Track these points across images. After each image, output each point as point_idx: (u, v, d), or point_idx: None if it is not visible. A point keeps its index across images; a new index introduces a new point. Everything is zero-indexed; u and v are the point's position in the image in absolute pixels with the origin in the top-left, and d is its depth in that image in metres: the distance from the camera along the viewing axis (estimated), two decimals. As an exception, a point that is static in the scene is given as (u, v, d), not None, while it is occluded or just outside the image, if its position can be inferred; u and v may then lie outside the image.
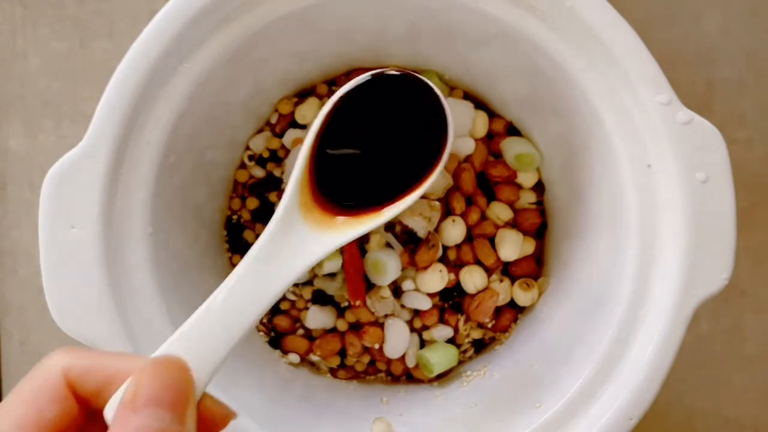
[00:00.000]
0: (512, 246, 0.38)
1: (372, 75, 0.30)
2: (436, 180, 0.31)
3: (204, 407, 0.25)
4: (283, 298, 0.39)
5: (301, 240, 0.28)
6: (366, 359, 0.39)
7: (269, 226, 0.28)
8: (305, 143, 0.29)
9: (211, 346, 0.25)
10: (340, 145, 0.30)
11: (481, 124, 0.39)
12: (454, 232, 0.38)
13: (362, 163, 0.30)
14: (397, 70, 0.30)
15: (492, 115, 0.40)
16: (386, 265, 0.37)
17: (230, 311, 0.26)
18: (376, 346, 0.38)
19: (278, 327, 0.39)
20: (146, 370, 0.23)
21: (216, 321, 0.26)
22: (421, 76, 0.30)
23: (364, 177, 0.30)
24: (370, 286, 0.38)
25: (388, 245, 0.38)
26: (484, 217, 0.39)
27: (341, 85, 0.39)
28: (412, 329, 0.39)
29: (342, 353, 0.39)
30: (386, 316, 0.38)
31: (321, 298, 0.39)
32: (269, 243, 0.27)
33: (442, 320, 0.39)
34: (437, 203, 0.37)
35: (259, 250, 0.27)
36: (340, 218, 0.29)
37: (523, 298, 0.38)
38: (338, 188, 0.30)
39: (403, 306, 0.39)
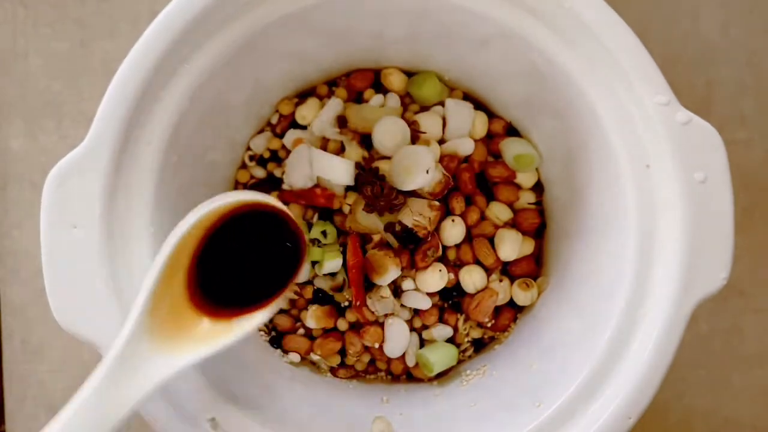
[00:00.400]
0: (511, 246, 0.38)
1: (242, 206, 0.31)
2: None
3: None
4: (284, 298, 0.39)
5: (146, 360, 0.28)
6: (366, 358, 0.39)
7: (112, 350, 0.27)
8: (157, 259, 0.29)
9: None
10: (219, 251, 0.30)
11: (480, 124, 0.39)
12: (454, 232, 0.38)
13: (236, 268, 0.31)
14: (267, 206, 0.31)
15: (491, 115, 0.40)
16: (387, 266, 0.37)
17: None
18: (376, 346, 0.38)
19: (279, 326, 0.39)
20: None
21: None
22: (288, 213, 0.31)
23: (238, 280, 0.31)
24: (370, 286, 0.38)
25: (389, 245, 0.38)
26: (483, 217, 0.39)
27: (341, 86, 0.40)
28: (412, 329, 0.39)
29: (342, 352, 0.39)
30: (386, 315, 0.38)
31: (321, 298, 0.39)
32: (113, 368, 0.27)
33: (441, 320, 0.39)
34: (437, 203, 0.38)
35: (103, 376, 0.27)
36: (205, 321, 0.29)
37: (522, 297, 0.39)
38: (216, 287, 0.30)
39: (403, 305, 0.39)
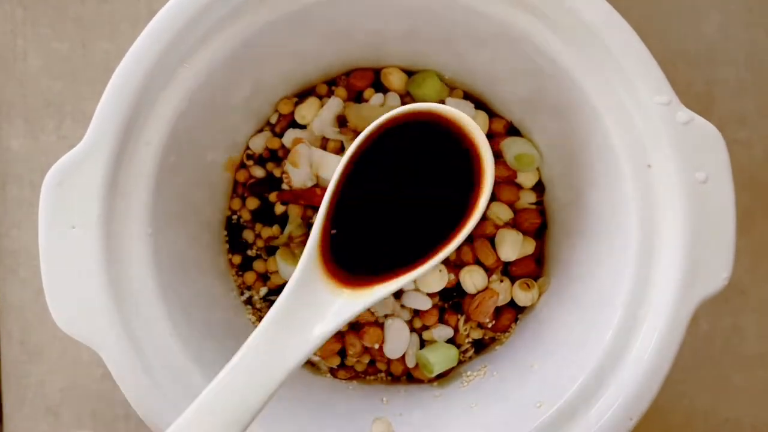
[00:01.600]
0: (512, 246, 0.38)
1: (403, 117, 0.27)
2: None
3: None
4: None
5: (323, 301, 0.26)
6: (366, 359, 0.39)
7: (286, 288, 0.26)
8: (325, 198, 0.26)
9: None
10: (356, 205, 0.27)
11: (481, 124, 0.39)
12: (454, 232, 0.38)
13: (379, 227, 0.28)
14: (428, 113, 0.27)
15: (492, 115, 0.40)
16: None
17: (239, 389, 0.25)
18: (376, 346, 0.38)
19: (278, 327, 0.39)
20: None
21: (227, 398, 0.25)
22: (459, 117, 0.27)
23: (381, 244, 0.28)
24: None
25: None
26: (484, 217, 0.39)
27: (341, 85, 0.39)
28: (412, 329, 0.39)
29: (342, 353, 0.39)
30: (386, 316, 0.38)
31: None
32: (286, 307, 0.26)
33: (442, 320, 0.39)
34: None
35: (276, 313, 0.25)
36: (346, 292, 0.27)
37: (523, 298, 0.38)
38: (353, 256, 0.28)
39: (403, 306, 0.39)
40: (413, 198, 0.28)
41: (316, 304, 0.27)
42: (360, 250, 0.28)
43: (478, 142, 0.26)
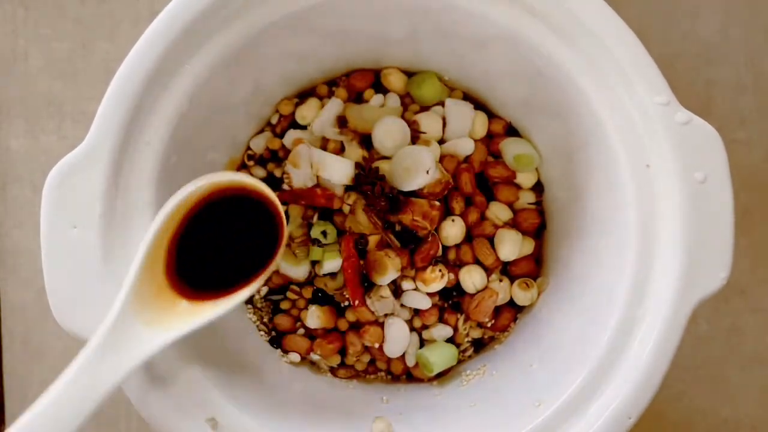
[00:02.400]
0: (511, 246, 0.38)
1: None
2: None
3: None
4: (284, 298, 0.39)
5: (133, 337, 0.29)
6: (366, 358, 0.39)
7: (103, 324, 0.28)
8: (146, 236, 0.30)
9: None
10: (198, 236, 0.31)
11: (480, 124, 0.39)
12: (454, 231, 0.38)
13: (215, 251, 0.32)
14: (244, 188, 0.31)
15: (491, 115, 0.40)
16: (387, 266, 0.37)
17: (61, 410, 0.27)
18: (376, 346, 0.38)
19: (279, 326, 0.39)
20: None
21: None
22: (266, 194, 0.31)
23: (217, 263, 0.32)
24: (370, 286, 0.38)
25: (389, 245, 0.38)
26: (483, 217, 0.39)
27: (341, 86, 0.40)
28: (412, 328, 0.39)
29: (342, 352, 0.39)
30: (386, 315, 0.38)
31: (321, 298, 0.39)
32: (102, 342, 0.28)
33: (441, 320, 0.39)
34: (437, 203, 0.38)
35: (93, 350, 0.28)
36: (184, 303, 0.30)
37: (522, 297, 0.39)
38: (194, 272, 0.31)
39: (402, 305, 0.39)
40: (237, 241, 0.32)
41: (131, 334, 0.29)
42: (199, 272, 0.32)
43: (276, 205, 0.31)
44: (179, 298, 0.30)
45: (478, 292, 0.38)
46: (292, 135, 0.39)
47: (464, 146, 0.39)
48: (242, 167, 0.40)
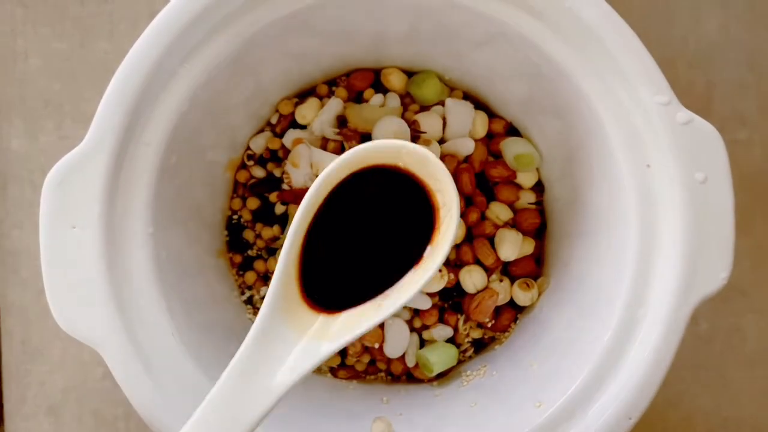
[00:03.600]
0: (512, 246, 0.38)
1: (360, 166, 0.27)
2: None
3: None
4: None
5: (285, 351, 0.26)
6: (366, 359, 0.39)
7: (247, 338, 0.26)
8: (286, 243, 0.27)
9: None
10: (326, 241, 0.27)
11: (480, 124, 0.39)
12: (454, 232, 0.38)
13: (350, 258, 0.28)
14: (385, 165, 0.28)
15: (492, 115, 0.40)
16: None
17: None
18: (376, 346, 0.38)
19: (278, 327, 0.39)
20: None
21: None
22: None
23: (353, 273, 0.28)
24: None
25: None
26: (483, 217, 0.39)
27: (341, 86, 0.39)
28: (412, 329, 0.39)
29: (342, 353, 0.39)
30: (386, 315, 0.38)
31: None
32: (248, 357, 0.26)
33: (441, 320, 0.39)
34: (437, 203, 0.37)
35: (237, 364, 0.25)
36: (322, 316, 0.28)
37: (522, 297, 0.39)
38: (326, 286, 0.28)
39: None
40: (379, 237, 0.29)
41: (282, 348, 0.27)
42: (329, 284, 0.28)
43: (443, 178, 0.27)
44: (315, 314, 0.28)
45: (479, 292, 0.38)
46: (291, 135, 0.39)
47: (464, 146, 0.39)
48: (242, 167, 0.40)
